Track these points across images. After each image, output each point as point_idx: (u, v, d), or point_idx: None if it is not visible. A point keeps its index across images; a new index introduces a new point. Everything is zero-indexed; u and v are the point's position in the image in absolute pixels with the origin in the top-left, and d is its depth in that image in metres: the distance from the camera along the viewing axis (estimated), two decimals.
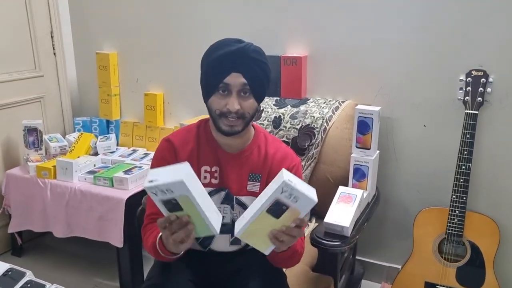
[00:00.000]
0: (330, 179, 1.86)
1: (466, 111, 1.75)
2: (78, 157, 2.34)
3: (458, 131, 1.76)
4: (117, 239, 2.04)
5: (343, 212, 1.56)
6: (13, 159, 2.48)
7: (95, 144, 2.48)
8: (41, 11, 2.55)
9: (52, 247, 2.55)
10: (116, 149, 2.53)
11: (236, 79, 1.18)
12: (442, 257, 1.82)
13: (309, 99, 2.07)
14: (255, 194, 1.10)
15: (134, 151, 2.50)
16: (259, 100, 1.25)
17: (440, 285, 1.82)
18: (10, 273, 1.08)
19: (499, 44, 1.77)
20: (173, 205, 0.99)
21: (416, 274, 1.86)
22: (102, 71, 2.62)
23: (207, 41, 1.30)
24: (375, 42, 1.98)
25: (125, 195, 2.04)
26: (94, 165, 2.30)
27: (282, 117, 1.99)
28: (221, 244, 1.34)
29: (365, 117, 1.78)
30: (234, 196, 1.30)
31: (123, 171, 2.15)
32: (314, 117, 1.94)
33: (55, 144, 2.42)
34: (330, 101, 2.02)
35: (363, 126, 1.79)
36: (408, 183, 2.04)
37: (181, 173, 0.97)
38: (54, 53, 2.65)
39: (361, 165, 1.78)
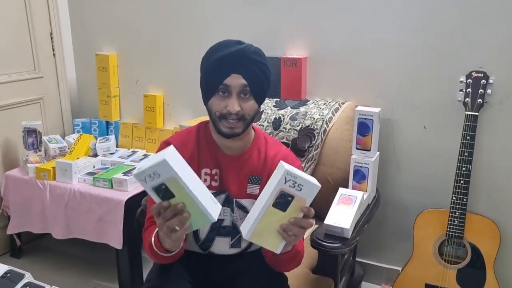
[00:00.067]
0: (330, 181, 1.86)
1: (466, 112, 1.75)
2: (78, 158, 2.34)
3: (458, 133, 1.76)
4: (116, 241, 2.04)
5: (343, 214, 1.56)
6: (12, 160, 2.47)
7: (95, 145, 2.47)
8: (41, 12, 2.54)
9: (51, 249, 2.54)
10: (116, 150, 2.53)
11: (236, 81, 1.18)
12: (442, 259, 1.81)
13: (309, 100, 2.06)
14: (255, 197, 1.10)
15: (134, 152, 2.50)
16: (260, 101, 1.25)
17: (441, 287, 1.81)
18: (8, 275, 1.07)
19: (499, 45, 1.77)
20: (164, 191, 0.98)
21: (417, 276, 1.85)
22: (102, 72, 2.61)
23: (206, 42, 1.30)
24: (375, 42, 1.97)
25: (124, 196, 2.03)
26: (94, 167, 2.30)
27: (282, 119, 1.99)
28: (221, 247, 1.34)
29: (365, 119, 1.78)
30: (234, 199, 1.30)
31: (123, 173, 2.14)
32: (314, 118, 1.94)
33: (55, 145, 2.41)
34: (330, 102, 2.02)
35: (363, 127, 1.78)
36: (408, 185, 2.04)
37: (164, 154, 0.97)
38: (54, 54, 2.65)
39: (361, 167, 1.78)
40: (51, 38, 2.62)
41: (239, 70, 1.18)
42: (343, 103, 2.00)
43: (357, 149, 1.81)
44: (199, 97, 1.29)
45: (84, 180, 2.18)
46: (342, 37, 2.04)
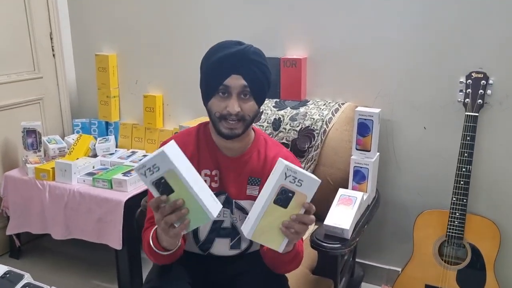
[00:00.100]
0: (330, 181, 1.86)
1: (466, 113, 1.75)
2: (77, 158, 2.33)
3: (458, 133, 1.75)
4: (116, 241, 2.03)
5: (343, 214, 1.55)
6: (11, 160, 2.47)
7: (94, 145, 2.47)
8: (41, 13, 2.54)
9: (51, 249, 2.54)
10: (115, 151, 2.52)
11: (236, 81, 1.17)
12: (442, 259, 1.81)
13: (309, 101, 2.06)
14: (254, 198, 1.09)
15: (133, 152, 2.49)
16: (260, 102, 1.24)
17: None
18: (8, 275, 1.07)
19: (499, 43, 1.76)
20: (163, 186, 0.99)
21: (416, 277, 1.85)
22: (101, 72, 2.61)
23: (206, 42, 1.29)
24: (375, 40, 1.97)
25: (124, 197, 2.03)
26: (93, 167, 2.30)
27: (281, 119, 1.98)
28: (221, 248, 1.33)
29: (365, 119, 1.78)
30: (233, 200, 1.30)
31: (122, 173, 2.14)
32: (313, 119, 1.94)
33: (54, 146, 2.41)
34: (330, 103, 2.02)
35: (363, 128, 1.78)
36: (408, 185, 2.04)
37: (164, 147, 0.98)
38: (53, 55, 2.65)
39: (361, 167, 1.78)
40: (51, 38, 2.62)
41: (239, 70, 1.17)
42: (342, 104, 2.00)
43: (357, 149, 1.80)
44: (198, 98, 1.28)
45: (84, 181, 2.18)
46: (342, 36, 2.03)
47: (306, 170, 1.88)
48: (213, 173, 1.29)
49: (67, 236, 2.18)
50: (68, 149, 2.42)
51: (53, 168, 2.20)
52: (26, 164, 2.29)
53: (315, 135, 1.91)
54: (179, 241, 1.15)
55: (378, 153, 1.85)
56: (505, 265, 1.88)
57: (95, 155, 2.45)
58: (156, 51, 2.51)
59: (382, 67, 1.98)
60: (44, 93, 2.63)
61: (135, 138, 2.61)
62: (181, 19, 2.39)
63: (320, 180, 1.02)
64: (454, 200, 1.76)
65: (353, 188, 1.78)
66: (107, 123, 2.69)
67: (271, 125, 1.99)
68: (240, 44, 1.21)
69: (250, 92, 1.20)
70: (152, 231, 1.16)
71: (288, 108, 2.02)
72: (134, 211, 1.97)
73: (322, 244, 1.47)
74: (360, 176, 1.78)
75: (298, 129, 1.94)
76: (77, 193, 2.11)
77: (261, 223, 1.03)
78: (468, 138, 1.73)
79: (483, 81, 1.74)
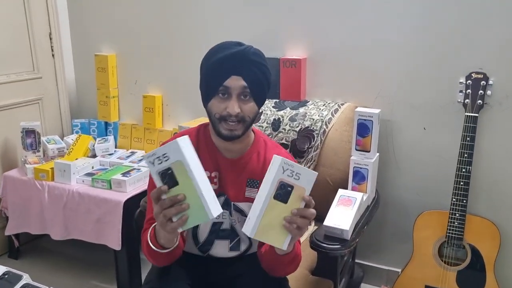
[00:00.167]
0: (330, 182, 1.86)
1: (466, 113, 1.75)
2: (76, 159, 2.33)
3: (458, 134, 1.75)
4: (115, 242, 2.03)
5: (342, 215, 1.55)
6: (10, 161, 2.46)
7: (93, 146, 2.47)
8: (40, 13, 2.54)
9: (50, 250, 2.54)
10: (114, 151, 2.52)
11: (236, 82, 1.17)
12: (442, 260, 1.81)
13: (308, 101, 2.06)
14: (253, 201, 1.09)
15: (133, 153, 2.49)
16: (260, 103, 1.24)
17: None
18: (6, 276, 1.07)
19: (499, 45, 1.76)
20: (169, 177, 0.99)
21: (416, 277, 1.85)
22: (101, 73, 2.61)
23: (206, 43, 1.29)
24: (374, 42, 1.97)
25: (123, 197, 2.03)
26: (92, 167, 2.29)
27: (281, 120, 1.98)
28: (220, 250, 1.33)
29: (365, 120, 1.78)
30: (232, 202, 1.29)
31: (121, 173, 2.13)
32: (313, 119, 1.93)
33: (53, 146, 2.41)
34: (329, 103, 2.01)
35: (363, 128, 1.78)
36: (408, 186, 2.04)
37: (178, 139, 0.99)
38: (53, 55, 2.65)
39: (360, 168, 1.77)
40: (50, 38, 2.61)
41: (239, 71, 1.17)
42: (342, 104, 2.00)
43: (356, 150, 1.80)
44: (198, 98, 1.28)
45: (83, 181, 2.17)
46: (342, 37, 2.03)
47: None
48: (213, 174, 1.29)
49: (66, 236, 2.18)
50: (67, 149, 2.42)
51: (52, 169, 2.20)
52: (25, 164, 2.28)
53: (315, 135, 1.90)
54: (176, 239, 1.15)
55: (377, 154, 1.84)
56: (505, 266, 1.88)
57: (94, 156, 2.44)
58: (155, 51, 2.50)
59: (382, 69, 1.98)
60: (44, 93, 2.62)
61: (135, 138, 2.61)
62: (181, 20, 2.39)
63: (317, 173, 1.03)
64: (454, 201, 1.75)
65: (352, 189, 1.78)
66: (106, 124, 2.69)
67: (270, 125, 1.99)
68: (240, 45, 1.21)
69: (250, 93, 1.19)
70: (151, 228, 1.16)
71: (288, 108, 2.02)
72: (133, 212, 1.96)
73: (322, 245, 1.47)
74: (359, 177, 1.78)
75: (297, 129, 1.93)
76: (76, 193, 2.11)
77: (263, 221, 1.03)
78: (468, 138, 1.73)
79: (483, 82, 1.73)
